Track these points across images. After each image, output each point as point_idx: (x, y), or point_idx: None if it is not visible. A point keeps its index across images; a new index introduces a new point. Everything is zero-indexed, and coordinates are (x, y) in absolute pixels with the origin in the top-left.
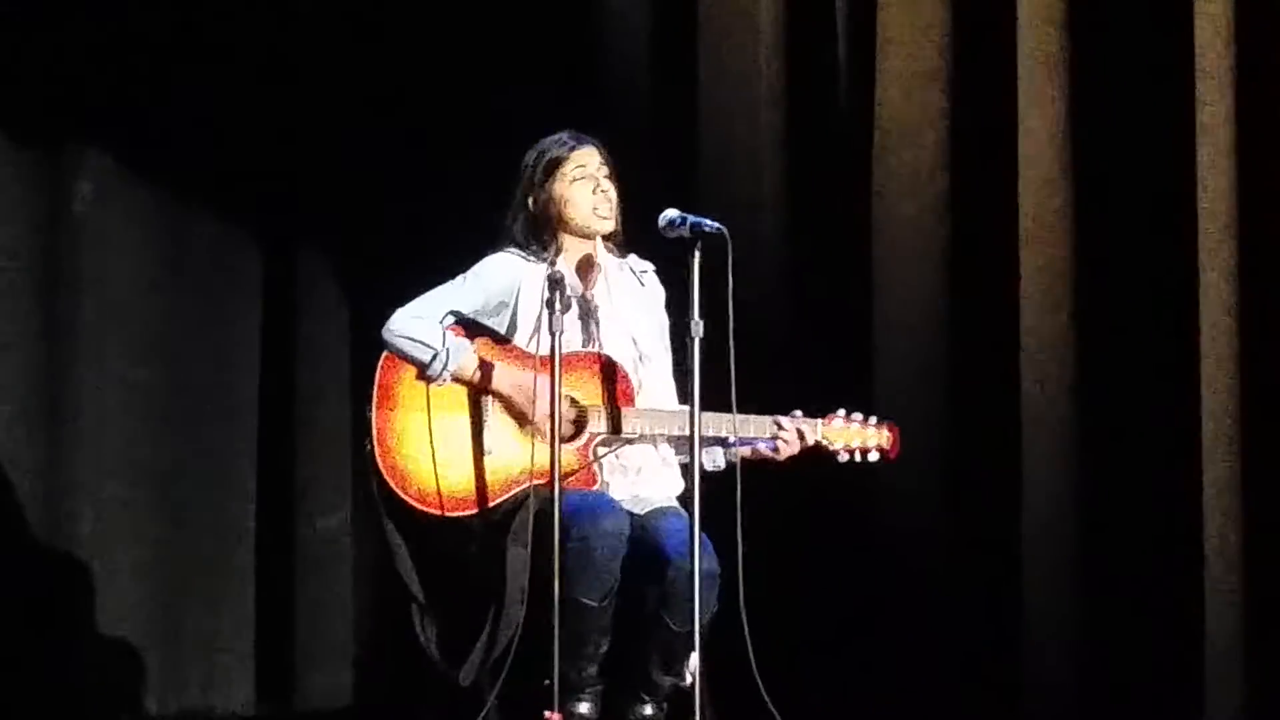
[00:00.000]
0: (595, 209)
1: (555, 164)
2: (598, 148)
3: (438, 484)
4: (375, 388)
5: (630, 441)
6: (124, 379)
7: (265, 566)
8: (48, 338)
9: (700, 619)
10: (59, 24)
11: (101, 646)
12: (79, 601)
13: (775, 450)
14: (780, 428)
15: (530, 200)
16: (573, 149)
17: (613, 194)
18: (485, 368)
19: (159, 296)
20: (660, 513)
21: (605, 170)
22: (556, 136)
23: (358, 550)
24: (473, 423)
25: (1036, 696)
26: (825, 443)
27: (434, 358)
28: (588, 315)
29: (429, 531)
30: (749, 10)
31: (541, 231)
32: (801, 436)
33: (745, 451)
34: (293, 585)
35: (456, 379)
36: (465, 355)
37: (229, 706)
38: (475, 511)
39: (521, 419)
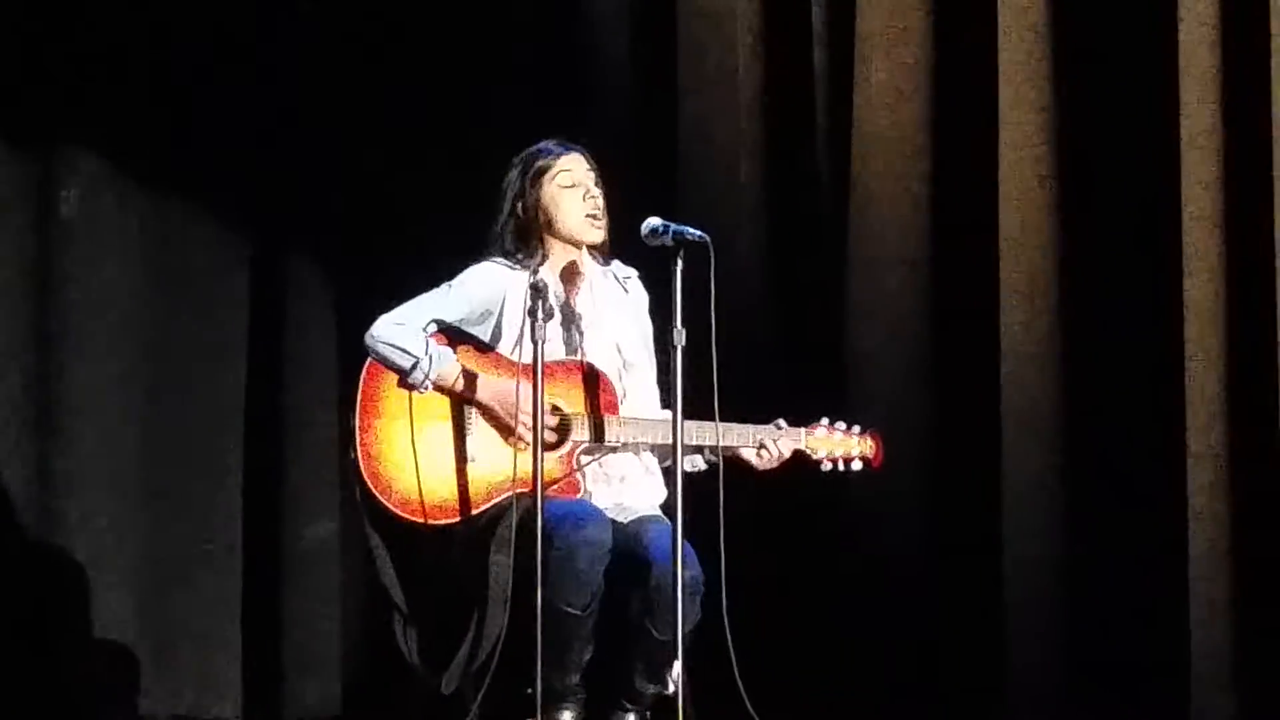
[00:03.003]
0: (586, 215)
1: (543, 170)
2: (584, 154)
3: (420, 492)
4: (359, 395)
5: (614, 450)
6: (111, 384)
7: (253, 574)
8: (36, 343)
9: (683, 627)
10: (46, 27)
11: (91, 652)
12: (68, 607)
13: (758, 456)
14: (764, 447)
15: (518, 207)
16: (559, 155)
17: (601, 200)
18: (467, 376)
19: (146, 301)
20: (643, 521)
21: (593, 176)
22: (542, 144)
23: (345, 559)
24: (456, 431)
25: (1021, 702)
26: (809, 452)
27: (414, 365)
28: (571, 323)
29: (412, 539)
30: (728, 18)
31: (529, 239)
32: (783, 455)
33: (725, 451)
34: (280, 593)
35: (438, 387)
36: (447, 363)
37: (219, 712)
38: (458, 519)
39: (503, 429)
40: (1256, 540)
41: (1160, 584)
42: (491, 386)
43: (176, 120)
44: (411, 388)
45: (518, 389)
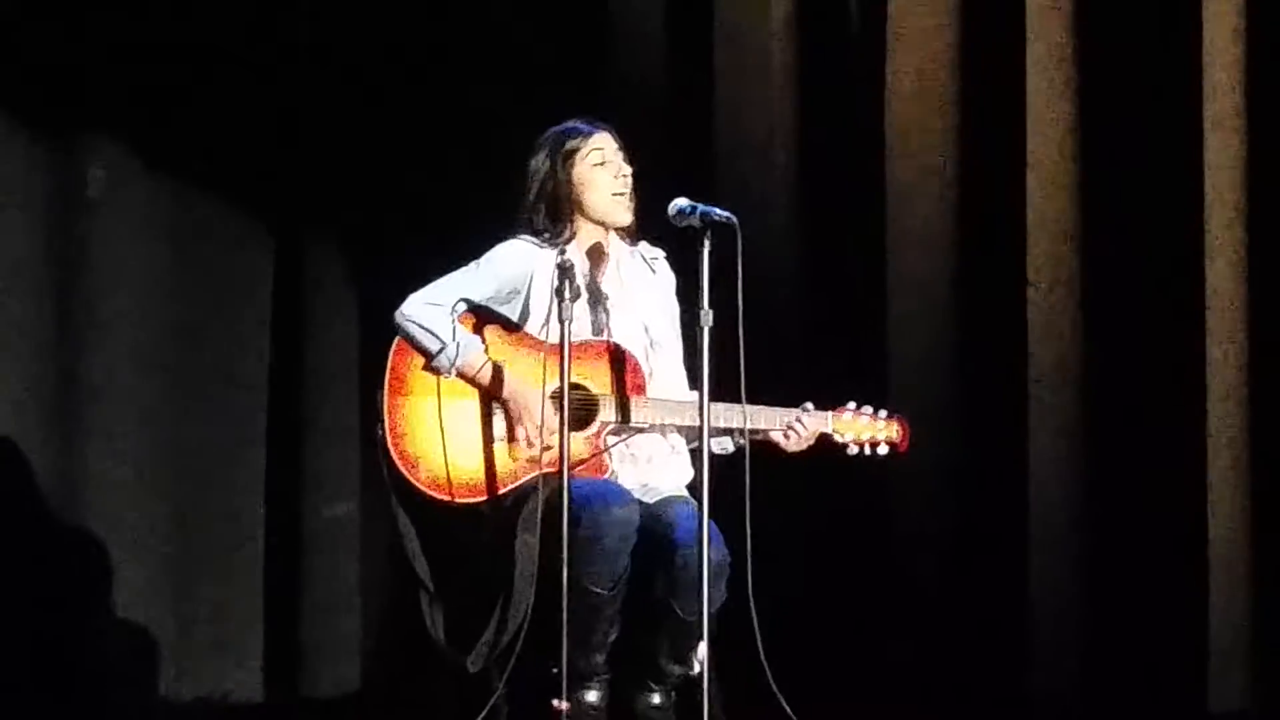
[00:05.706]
0: (615, 194)
1: (574, 150)
2: (612, 133)
3: (448, 470)
4: (387, 373)
5: (640, 430)
6: (135, 365)
7: (274, 553)
8: (60, 322)
9: (709, 608)
10: (71, 11)
11: (113, 633)
12: (90, 588)
13: (786, 437)
14: (790, 429)
15: (547, 185)
16: (589, 135)
17: (630, 178)
18: (494, 370)
19: (170, 281)
20: (669, 501)
21: (622, 155)
22: (569, 124)
23: (366, 538)
24: (483, 410)
25: (1042, 693)
26: (835, 435)
27: (441, 350)
28: (598, 303)
29: (439, 518)
30: (762, 2)
31: (557, 217)
32: (811, 435)
33: (753, 433)
34: (301, 572)
35: (461, 375)
36: (474, 353)
37: (240, 692)
38: (485, 498)
39: (513, 433)
40: (1276, 525)
41: (1181, 578)
42: (511, 388)
43: (201, 106)
44: (435, 372)
45: (543, 378)
